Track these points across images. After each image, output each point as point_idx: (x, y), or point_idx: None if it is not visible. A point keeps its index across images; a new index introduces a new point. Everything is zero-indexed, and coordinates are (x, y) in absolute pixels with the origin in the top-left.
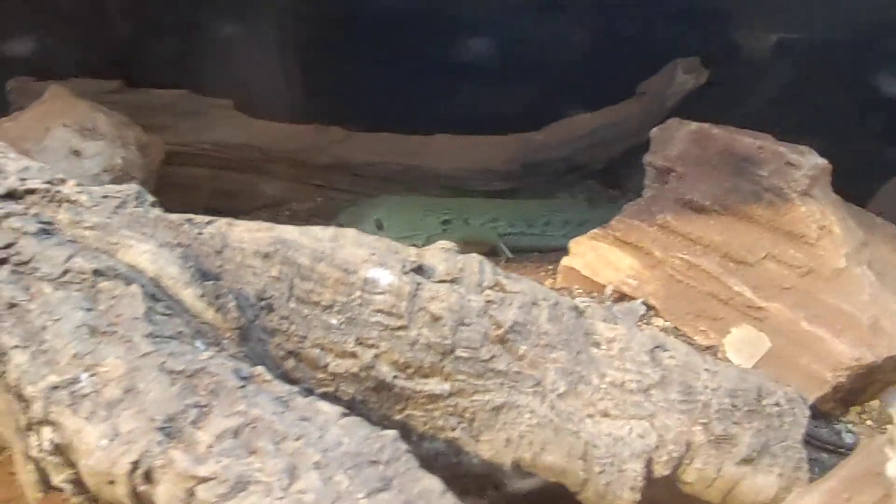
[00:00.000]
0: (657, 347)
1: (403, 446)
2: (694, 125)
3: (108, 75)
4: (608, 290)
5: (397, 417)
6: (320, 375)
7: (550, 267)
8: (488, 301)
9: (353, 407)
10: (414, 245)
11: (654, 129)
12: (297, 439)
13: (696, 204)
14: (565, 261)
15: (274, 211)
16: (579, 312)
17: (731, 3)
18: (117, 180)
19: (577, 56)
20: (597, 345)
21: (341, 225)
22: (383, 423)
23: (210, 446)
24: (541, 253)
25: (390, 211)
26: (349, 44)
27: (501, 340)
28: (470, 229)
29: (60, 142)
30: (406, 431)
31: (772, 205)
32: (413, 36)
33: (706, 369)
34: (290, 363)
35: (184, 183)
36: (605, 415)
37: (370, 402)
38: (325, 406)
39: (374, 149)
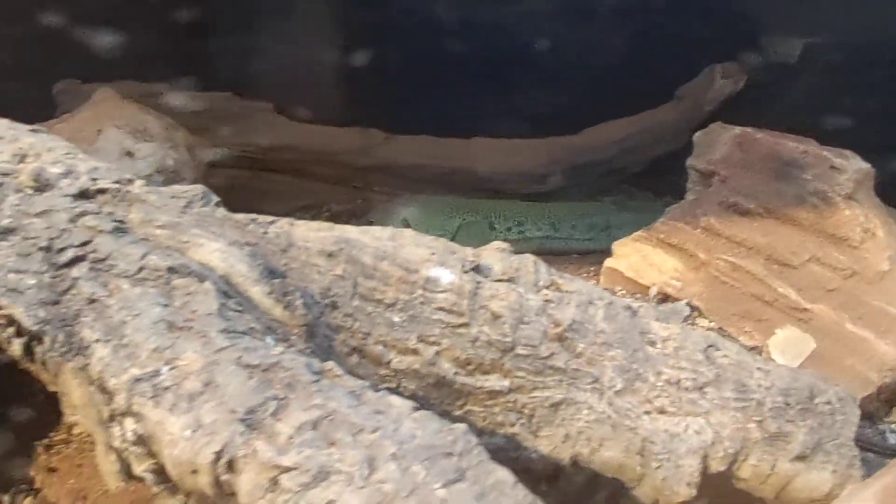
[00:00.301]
0: (710, 346)
1: (474, 439)
2: (738, 130)
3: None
4: (653, 292)
5: (457, 413)
6: (383, 371)
7: (591, 269)
8: (546, 300)
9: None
10: None
11: (698, 134)
12: (374, 431)
13: (739, 207)
14: (609, 262)
15: (314, 212)
16: (633, 312)
17: (770, 7)
18: (169, 181)
19: (615, 60)
20: (652, 343)
21: (371, 223)
22: (443, 418)
23: (291, 437)
24: (561, 255)
25: (417, 210)
26: (390, 47)
27: (560, 338)
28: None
29: (113, 143)
30: None
31: (816, 208)
32: (452, 40)
33: (759, 368)
34: (354, 359)
35: (225, 184)
36: (662, 412)
37: (431, 397)
38: (396, 400)
39: (414, 151)
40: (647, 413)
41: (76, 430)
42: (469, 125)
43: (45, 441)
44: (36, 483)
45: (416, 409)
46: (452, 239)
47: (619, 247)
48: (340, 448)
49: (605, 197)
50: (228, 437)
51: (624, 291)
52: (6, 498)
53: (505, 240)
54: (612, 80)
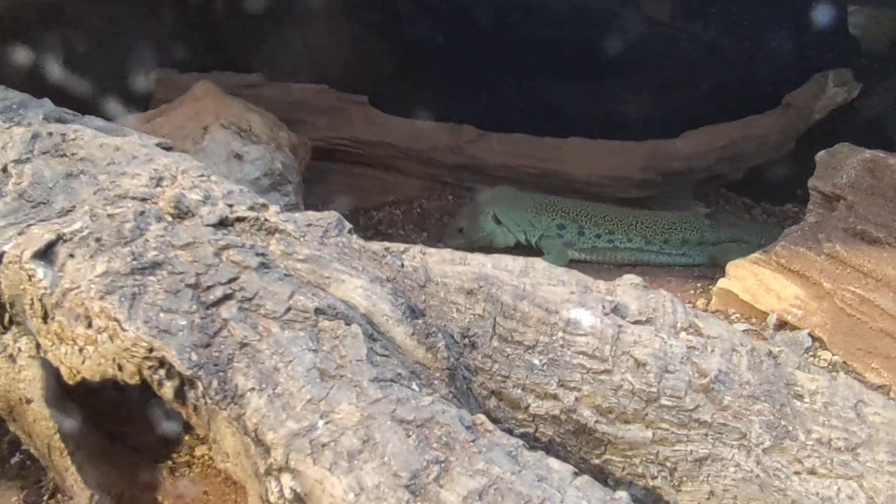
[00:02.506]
0: (860, 402)
1: None
2: (868, 153)
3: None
4: (772, 319)
5: (595, 461)
6: (521, 416)
7: (699, 285)
8: (690, 346)
9: (551, 448)
10: (528, 241)
11: (821, 154)
12: (541, 503)
13: (868, 235)
14: (722, 283)
15: (405, 207)
16: (775, 360)
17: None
18: (276, 184)
19: (720, 62)
20: (799, 397)
21: (461, 230)
22: (580, 466)
23: None
24: (649, 267)
25: (505, 206)
26: (486, 46)
27: (706, 390)
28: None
29: (220, 144)
30: (603, 476)
31: None
32: (554, 41)
33: None
34: (492, 402)
35: (316, 177)
36: (812, 472)
37: (569, 444)
38: (555, 463)
39: (507, 150)
40: (797, 473)
41: (198, 452)
42: (567, 125)
43: (169, 463)
44: None
45: (576, 474)
46: (538, 241)
47: (733, 268)
48: None
49: (701, 203)
50: None
51: (738, 315)
52: None
53: (594, 247)
54: (715, 83)
